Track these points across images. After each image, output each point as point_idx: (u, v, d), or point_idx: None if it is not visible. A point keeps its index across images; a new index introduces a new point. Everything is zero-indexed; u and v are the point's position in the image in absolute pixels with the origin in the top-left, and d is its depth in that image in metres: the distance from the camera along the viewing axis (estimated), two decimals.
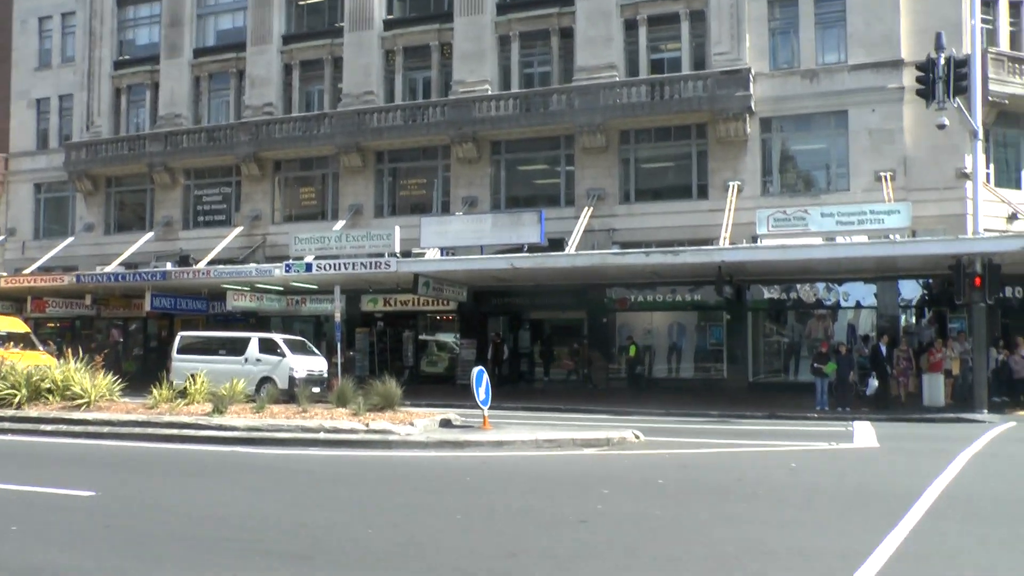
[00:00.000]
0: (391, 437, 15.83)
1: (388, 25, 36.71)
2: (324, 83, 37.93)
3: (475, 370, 18.28)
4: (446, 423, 17.94)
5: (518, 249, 28.92)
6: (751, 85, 30.31)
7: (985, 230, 24.28)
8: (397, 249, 29.53)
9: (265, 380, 24.94)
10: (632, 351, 30.56)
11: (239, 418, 17.13)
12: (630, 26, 33.07)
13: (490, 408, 18.06)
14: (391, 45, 36.53)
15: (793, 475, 13.16)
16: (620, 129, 32.53)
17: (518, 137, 33.93)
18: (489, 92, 34.08)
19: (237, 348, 26.34)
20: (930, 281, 28.50)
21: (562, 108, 32.55)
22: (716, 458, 15.11)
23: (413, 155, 36.18)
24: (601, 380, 31.41)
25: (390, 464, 14.13)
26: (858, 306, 29.57)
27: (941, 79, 21.36)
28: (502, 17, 34.80)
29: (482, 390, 17.83)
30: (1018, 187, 31.39)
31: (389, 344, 34.90)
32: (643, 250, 26.33)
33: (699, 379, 30.79)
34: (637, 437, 16.57)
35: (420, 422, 16.98)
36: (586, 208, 31.60)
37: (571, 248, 29.57)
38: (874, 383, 24.01)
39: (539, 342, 33.83)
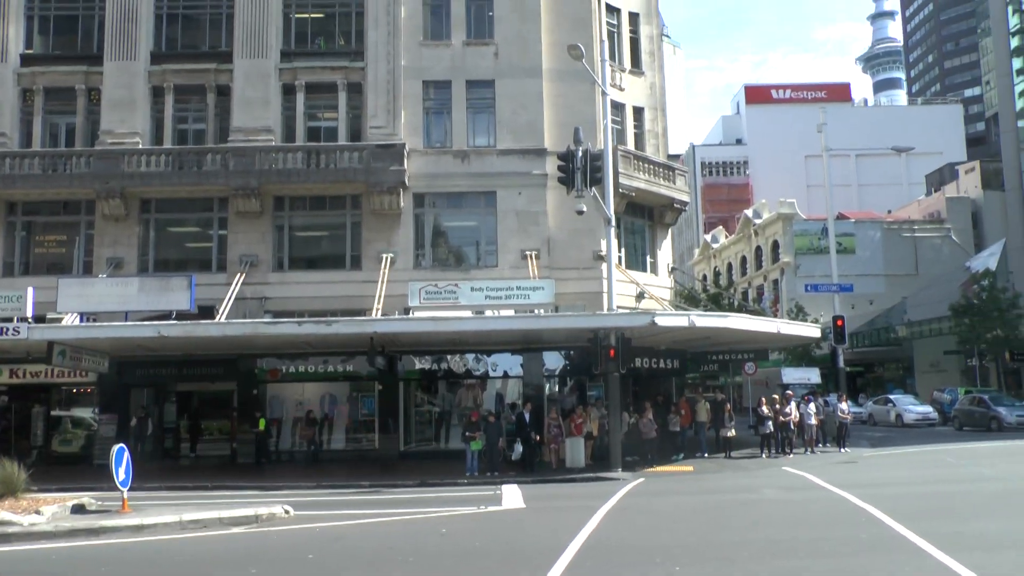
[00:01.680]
0: (10, 529, 13.97)
1: (26, 60, 33.25)
2: None
3: (115, 448, 16.70)
4: (79, 509, 16.15)
5: (166, 316, 27.12)
6: (405, 160, 31.22)
7: (618, 307, 26.64)
8: (30, 313, 26.40)
9: None
10: (261, 424, 29.33)
11: None
12: (288, 91, 32.84)
13: (131, 489, 16.59)
14: (29, 83, 33.11)
15: (444, 540, 13.32)
16: (275, 195, 31.96)
17: (170, 196, 32.08)
18: (140, 145, 31.95)
19: None
20: (571, 352, 30.58)
21: (217, 168, 31.31)
22: (368, 528, 14.93)
23: (53, 208, 32.82)
24: (251, 454, 29.99)
25: (8, 560, 12.41)
26: (506, 376, 31.01)
27: (579, 169, 23.14)
28: (156, 67, 32.92)
29: (122, 470, 16.32)
30: (645, 270, 35.00)
31: (14, 421, 30.90)
32: (296, 320, 25.77)
33: (351, 450, 30.46)
34: (287, 512, 16.00)
35: (48, 509, 15.18)
36: (238, 275, 30.50)
37: (222, 316, 28.30)
38: (519, 448, 25.21)
39: (187, 415, 31.79)
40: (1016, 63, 61.68)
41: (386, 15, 32.41)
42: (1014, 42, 61.93)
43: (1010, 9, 62.05)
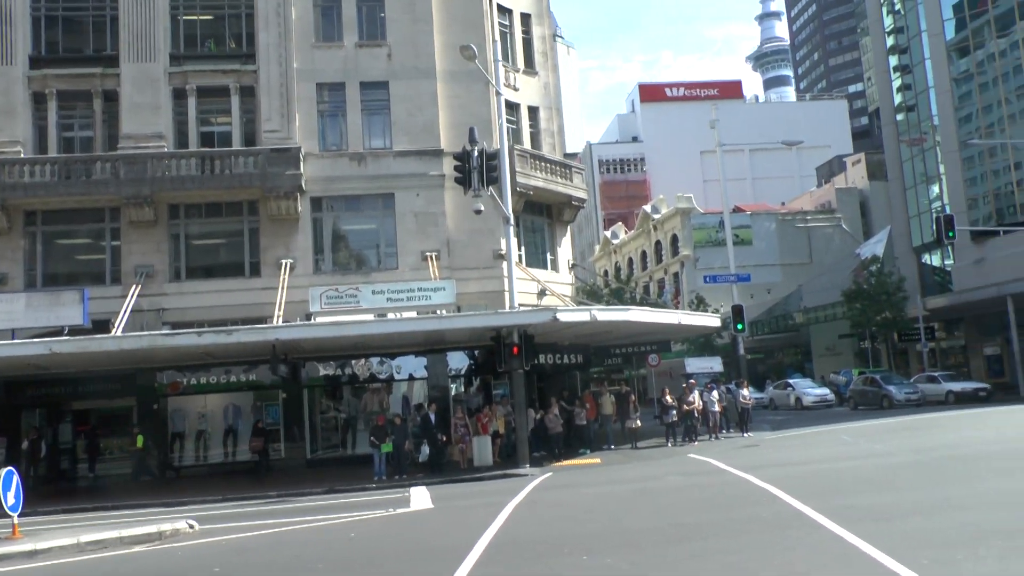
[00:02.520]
0: None
1: None
2: None
3: (2, 472, 16.03)
4: None
5: (58, 332, 26.16)
6: (302, 164, 30.82)
7: (520, 305, 26.79)
8: None
9: None
10: (139, 442, 28.45)
11: None
12: (179, 95, 32.04)
13: (24, 515, 15.95)
14: None
15: (352, 545, 13.21)
16: (170, 203, 31.14)
17: (57, 207, 30.91)
18: (22, 155, 30.73)
19: None
20: (476, 352, 30.62)
21: (107, 177, 30.30)
22: (275, 538, 14.68)
23: None
24: (154, 470, 29.15)
25: None
26: (411, 378, 30.84)
27: (476, 169, 23.20)
28: (36, 72, 31.69)
29: (11, 494, 15.68)
30: (545, 267, 35.29)
31: None
32: (195, 330, 25.16)
33: (257, 460, 29.83)
34: (192, 527, 15.62)
35: None
36: (134, 286, 29.64)
37: (118, 330, 27.44)
38: (427, 450, 25.17)
39: (84, 435, 30.65)
40: (893, 60, 64.26)
41: (276, 17, 31.93)
42: (890, 40, 64.49)
43: (884, 10, 64.62)
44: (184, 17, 32.72)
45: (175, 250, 31.46)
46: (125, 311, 28.51)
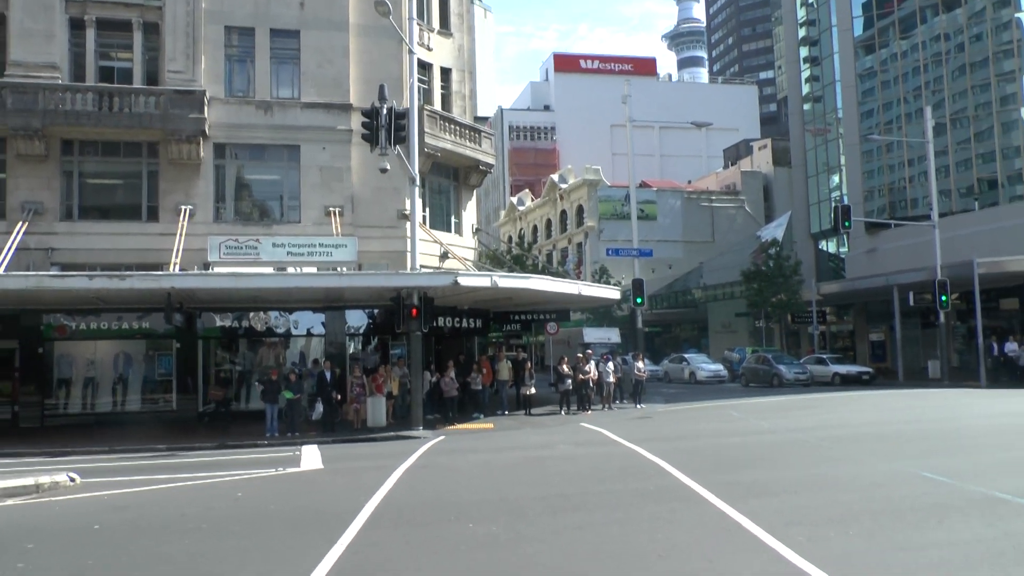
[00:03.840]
0: None
1: None
2: None
3: None
4: None
5: None
6: (206, 108, 29.85)
7: (422, 267, 26.65)
8: None
9: None
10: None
11: None
12: (77, 26, 30.49)
13: None
14: None
15: (238, 504, 13.00)
16: (63, 138, 29.76)
17: None
18: None
19: None
20: (375, 311, 30.42)
21: None
22: (161, 495, 14.34)
23: None
24: (36, 418, 28.09)
25: None
26: (309, 334, 30.48)
27: (384, 127, 22.82)
28: None
29: None
30: (449, 230, 35.15)
31: None
32: (86, 273, 24.18)
33: (147, 411, 29.09)
34: (73, 480, 15.10)
35: None
36: (20, 223, 28.32)
37: (1, 268, 26.25)
38: (320, 407, 24.95)
39: None
40: (803, 51, 65.79)
41: None
42: (802, 32, 66.03)
43: (798, 2, 66.03)
44: None
45: (67, 188, 30.16)
46: (10, 248, 27.26)
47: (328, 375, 25.32)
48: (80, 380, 29.10)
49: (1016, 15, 50.13)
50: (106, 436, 24.09)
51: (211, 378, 29.64)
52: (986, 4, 51.65)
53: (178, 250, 28.10)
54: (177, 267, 27.43)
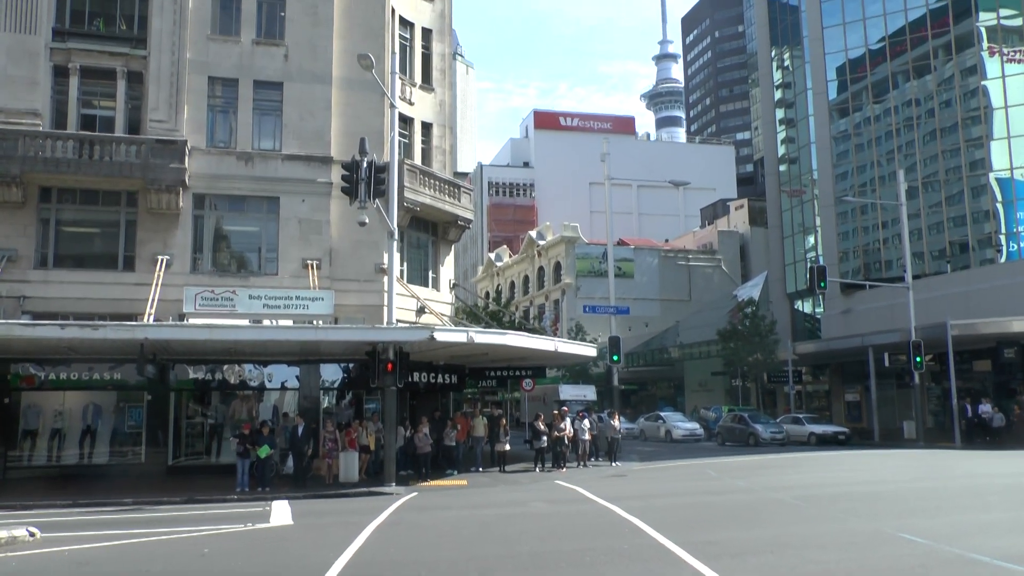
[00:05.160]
0: None
1: None
2: None
3: None
4: None
5: None
6: (187, 158, 29.80)
7: (398, 321, 26.54)
8: None
9: None
10: None
11: None
12: (61, 73, 30.47)
13: None
14: None
15: (204, 561, 12.70)
16: (42, 185, 29.54)
17: None
18: None
19: None
20: (350, 365, 30.15)
21: None
22: (124, 551, 13.99)
23: None
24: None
25: None
26: (283, 387, 30.10)
27: (364, 181, 22.90)
28: None
29: None
30: (426, 285, 35.11)
31: None
32: (58, 323, 23.88)
33: (115, 464, 28.49)
34: (32, 535, 14.69)
35: None
36: None
37: None
38: (291, 462, 24.59)
39: None
40: (779, 113, 66.96)
41: (173, 3, 30.81)
42: (777, 94, 67.28)
43: (774, 65, 67.39)
44: None
45: (43, 235, 29.88)
46: None
47: (301, 429, 25.01)
48: (47, 431, 28.44)
49: (983, 83, 51.37)
50: (71, 489, 23.58)
51: (182, 431, 29.19)
52: (954, 72, 52.92)
53: (153, 300, 27.83)
54: (152, 317, 27.15)
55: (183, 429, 29.33)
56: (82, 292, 28.97)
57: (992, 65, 51.57)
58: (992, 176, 50.69)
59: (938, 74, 53.74)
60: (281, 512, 18.49)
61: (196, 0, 31.27)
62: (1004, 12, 52.19)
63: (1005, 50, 51.42)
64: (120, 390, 28.62)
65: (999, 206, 50.75)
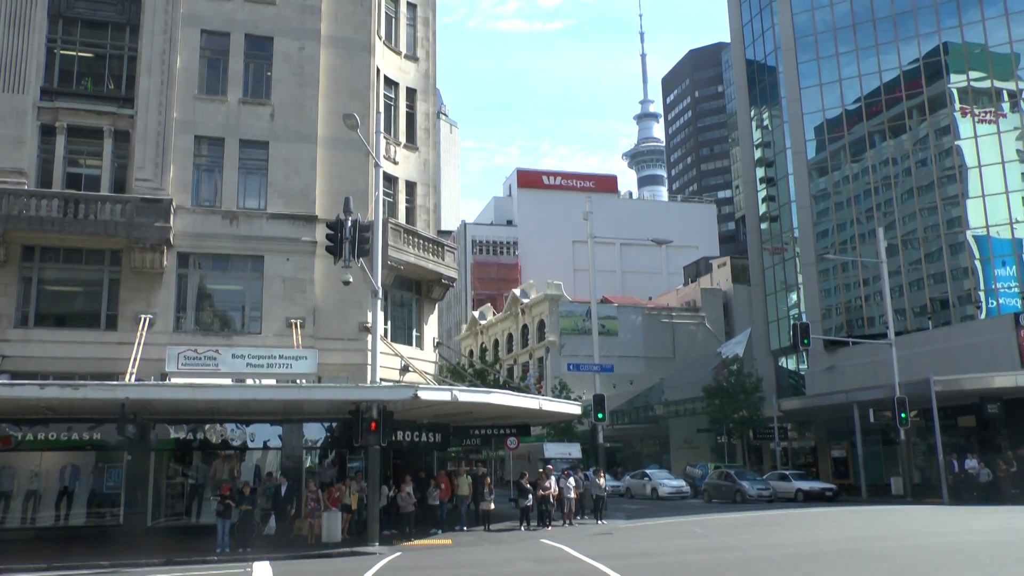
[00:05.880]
0: None
1: None
2: None
3: None
4: None
5: None
6: (172, 217, 29.85)
7: (382, 380, 26.41)
8: None
9: None
10: None
11: None
12: (47, 132, 30.59)
13: None
14: None
15: None
16: (25, 243, 29.48)
17: None
18: None
19: None
20: (333, 424, 29.88)
21: None
22: None
23: None
24: None
25: None
26: (266, 447, 29.70)
27: (348, 240, 23.02)
28: None
29: None
30: (410, 343, 35.03)
31: None
32: (38, 382, 23.65)
33: (93, 526, 28.00)
34: None
35: None
36: None
37: None
38: (274, 522, 24.24)
39: None
40: (759, 172, 67.83)
41: (161, 63, 31.20)
42: (758, 153, 68.20)
43: (753, 124, 68.47)
44: (61, 51, 31.50)
45: (25, 294, 29.72)
46: None
47: (284, 489, 24.70)
48: (22, 493, 27.95)
49: (956, 143, 52.33)
50: (46, 552, 23.07)
51: (162, 491, 28.73)
52: (928, 131, 53.91)
53: (135, 359, 27.63)
54: (134, 377, 26.92)
55: (163, 489, 28.90)
56: (63, 351, 28.79)
57: (965, 125, 52.57)
58: (969, 234, 51.34)
59: (913, 134, 54.72)
60: (262, 573, 18.19)
61: (184, 60, 31.65)
62: (974, 74, 53.37)
63: (976, 111, 52.46)
64: (99, 450, 28.17)
65: (977, 263, 51.32)
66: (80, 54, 31.97)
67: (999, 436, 40.12)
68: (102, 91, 31.78)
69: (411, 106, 36.74)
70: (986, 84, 53.14)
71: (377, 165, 26.47)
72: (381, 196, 26.81)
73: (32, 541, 26.31)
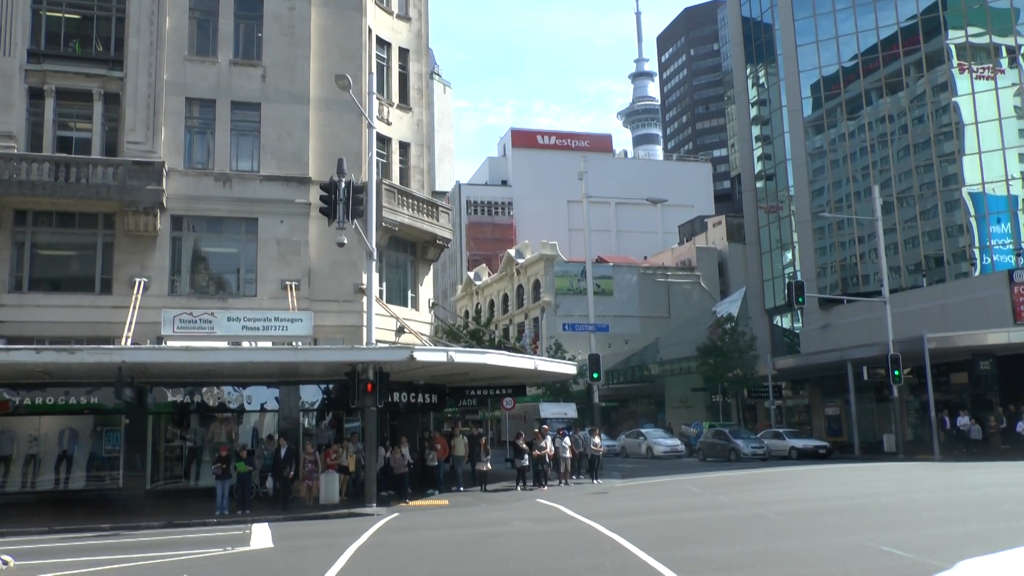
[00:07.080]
0: None
1: None
2: None
3: None
4: None
5: None
6: (164, 180, 29.69)
7: (378, 341, 26.43)
8: None
9: None
10: None
11: None
12: (36, 95, 30.32)
13: None
14: None
15: None
16: (16, 208, 29.35)
17: None
18: None
19: None
20: (330, 386, 30.00)
21: None
22: None
23: None
24: None
25: None
26: (263, 409, 29.85)
27: (342, 201, 22.88)
28: None
29: None
30: (406, 305, 35.03)
31: None
32: (33, 347, 23.64)
33: (92, 489, 28.16)
34: (6, 563, 14.48)
35: None
36: None
37: None
38: (272, 484, 24.41)
39: None
40: (755, 130, 67.52)
41: (149, 25, 30.84)
42: (753, 111, 67.87)
43: (749, 82, 68.01)
44: (48, 13, 31.09)
45: (18, 259, 29.65)
46: None
47: (284, 451, 24.84)
48: (21, 457, 28.10)
49: (954, 99, 52.07)
50: (47, 515, 23.23)
51: (161, 454, 28.90)
52: (926, 88, 53.62)
53: (131, 323, 27.62)
54: (129, 341, 26.94)
55: (162, 452, 29.04)
56: (58, 316, 28.75)
57: (962, 82, 52.33)
58: (965, 191, 51.32)
59: (910, 91, 54.45)
60: (261, 535, 18.35)
61: (173, 21, 31.27)
62: (972, 30, 53.01)
63: (974, 67, 52.19)
64: (97, 414, 28.30)
65: (972, 220, 51.38)
66: (67, 15, 31.56)
67: (991, 393, 40.37)
68: (90, 53, 31.41)
69: (404, 66, 36.40)
70: (985, 40, 52.80)
71: (370, 126, 26.27)
72: (375, 157, 26.67)
73: (32, 505, 26.46)
